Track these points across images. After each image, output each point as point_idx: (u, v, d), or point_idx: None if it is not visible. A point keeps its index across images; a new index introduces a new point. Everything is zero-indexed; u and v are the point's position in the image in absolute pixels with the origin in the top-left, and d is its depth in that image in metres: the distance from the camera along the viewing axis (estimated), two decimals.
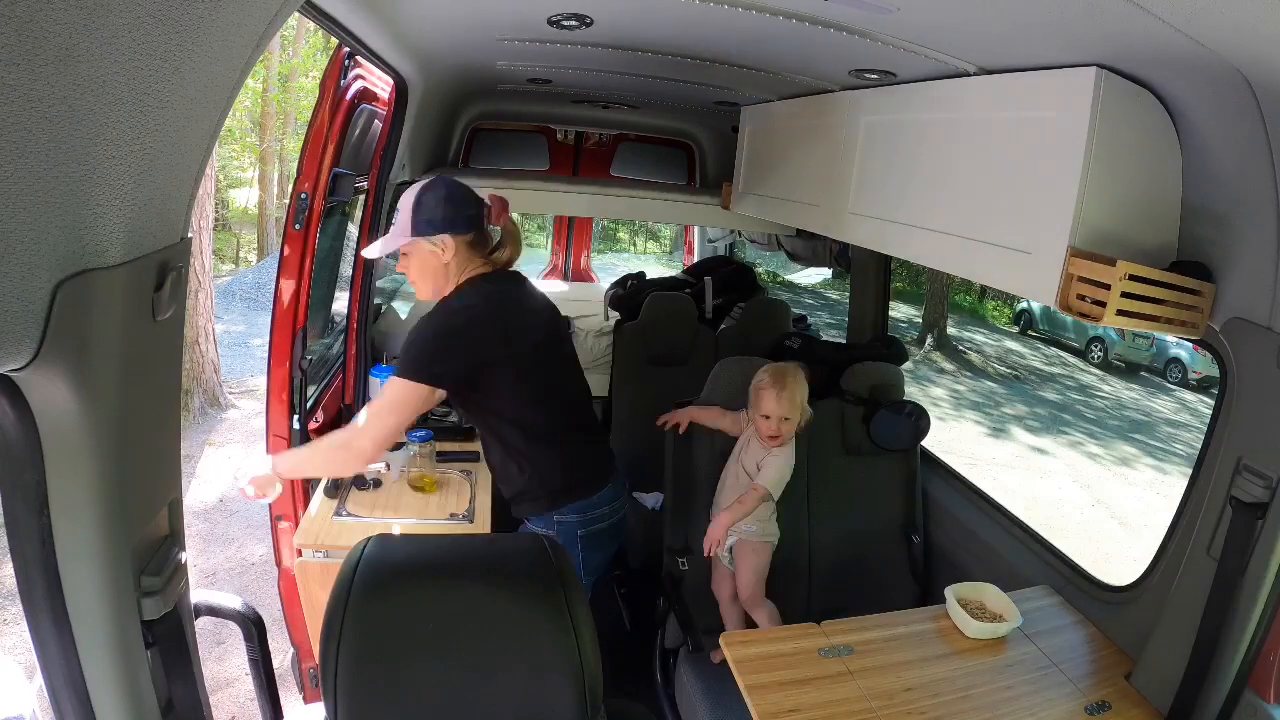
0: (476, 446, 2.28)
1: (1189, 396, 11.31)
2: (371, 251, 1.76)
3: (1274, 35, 0.93)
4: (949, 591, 1.62)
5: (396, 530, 1.86)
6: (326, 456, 1.66)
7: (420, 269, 1.68)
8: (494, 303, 1.66)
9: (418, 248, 1.66)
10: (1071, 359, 12.69)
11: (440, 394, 1.62)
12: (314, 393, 2.37)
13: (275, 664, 1.14)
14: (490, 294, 1.67)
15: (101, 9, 0.52)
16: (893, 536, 2.20)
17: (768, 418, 1.87)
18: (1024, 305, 14.01)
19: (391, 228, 1.68)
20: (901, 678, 1.44)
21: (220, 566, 3.92)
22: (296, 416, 2.17)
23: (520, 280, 1.79)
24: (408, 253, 1.68)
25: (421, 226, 1.64)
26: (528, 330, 1.69)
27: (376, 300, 2.86)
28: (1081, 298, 1.23)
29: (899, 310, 13.07)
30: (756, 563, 1.92)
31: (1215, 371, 1.40)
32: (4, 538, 0.93)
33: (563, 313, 3.16)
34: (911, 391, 2.34)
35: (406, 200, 1.65)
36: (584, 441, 1.80)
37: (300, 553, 1.85)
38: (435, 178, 1.71)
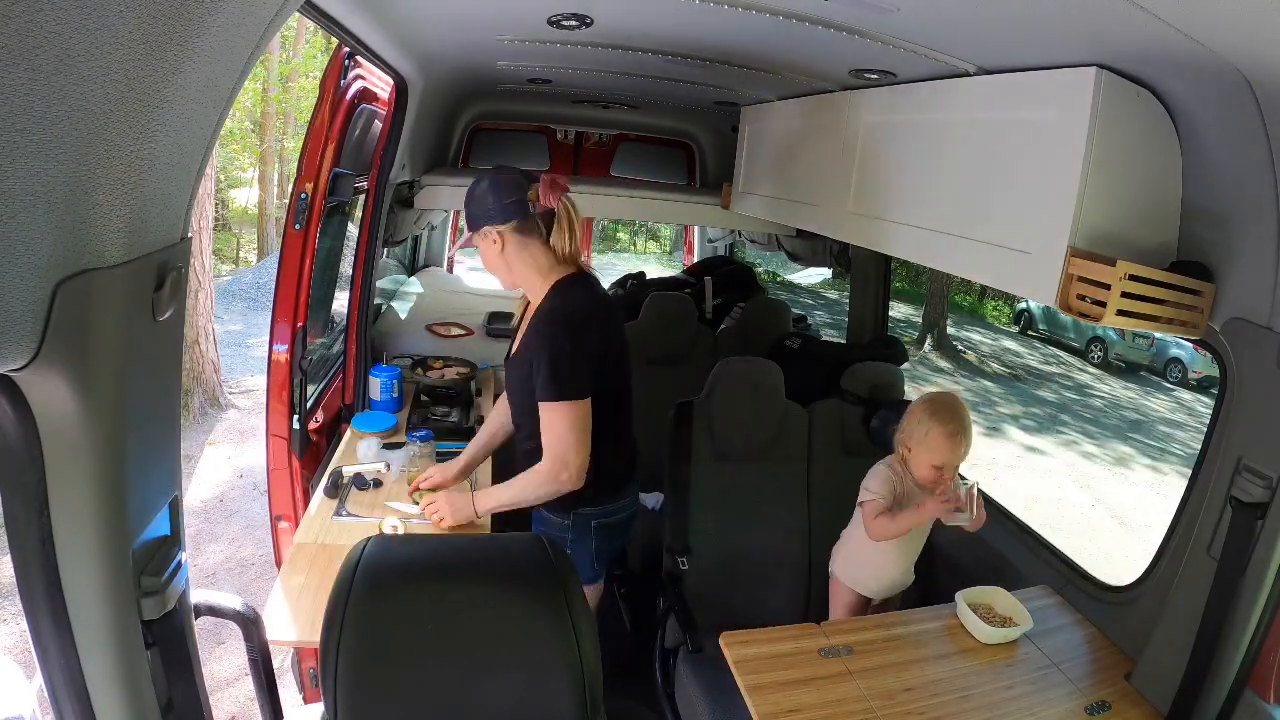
0: None
1: (1187, 396, 11.32)
2: (458, 245, 1.78)
3: (1274, 35, 0.93)
4: (959, 597, 1.62)
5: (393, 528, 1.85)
6: (537, 493, 1.65)
7: (486, 260, 1.69)
8: (588, 308, 1.64)
9: (479, 240, 1.67)
10: (1070, 358, 12.68)
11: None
12: (314, 392, 2.37)
13: (275, 664, 1.13)
14: (583, 299, 1.65)
15: (101, 9, 0.52)
16: None
17: (939, 468, 1.68)
18: (1024, 305, 14.01)
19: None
20: (901, 678, 1.44)
21: (219, 566, 3.92)
22: (296, 416, 2.17)
23: (591, 284, 1.73)
24: (476, 244, 1.69)
25: (473, 220, 1.66)
26: (611, 343, 1.68)
27: (376, 300, 2.86)
28: (1081, 298, 1.23)
29: (899, 310, 13.06)
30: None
31: (1215, 370, 1.40)
32: (4, 537, 0.93)
33: None
34: (910, 392, 2.34)
35: (468, 194, 1.67)
36: (617, 447, 1.77)
37: None
38: (486, 171, 1.70)
